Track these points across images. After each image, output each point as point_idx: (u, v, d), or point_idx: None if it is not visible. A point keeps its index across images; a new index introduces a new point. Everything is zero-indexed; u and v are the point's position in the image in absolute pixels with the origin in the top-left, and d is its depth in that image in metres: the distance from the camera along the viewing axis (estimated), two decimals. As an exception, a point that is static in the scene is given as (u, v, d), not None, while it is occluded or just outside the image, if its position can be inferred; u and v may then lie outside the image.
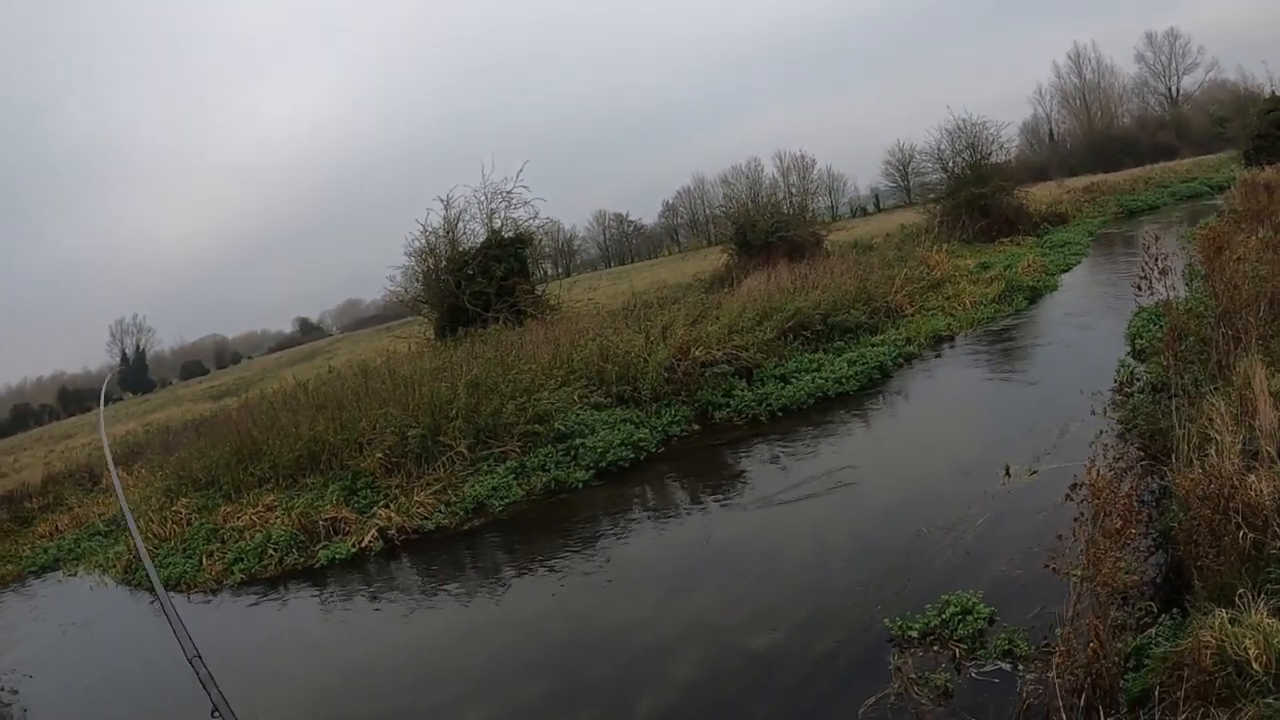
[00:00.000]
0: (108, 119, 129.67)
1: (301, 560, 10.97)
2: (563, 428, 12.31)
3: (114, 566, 13.47)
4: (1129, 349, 11.30)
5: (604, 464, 11.58)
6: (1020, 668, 4.99)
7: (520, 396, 12.75)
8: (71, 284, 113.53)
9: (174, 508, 14.19)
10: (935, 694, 5.01)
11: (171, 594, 11.30)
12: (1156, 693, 3.96)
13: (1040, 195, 35.57)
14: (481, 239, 25.00)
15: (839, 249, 28.50)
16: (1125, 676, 4.43)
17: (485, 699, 6.53)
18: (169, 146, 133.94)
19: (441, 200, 25.02)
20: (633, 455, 11.76)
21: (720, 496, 9.88)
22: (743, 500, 9.52)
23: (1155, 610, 5.06)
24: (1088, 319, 14.81)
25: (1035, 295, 18.41)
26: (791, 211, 31.07)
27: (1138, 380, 9.68)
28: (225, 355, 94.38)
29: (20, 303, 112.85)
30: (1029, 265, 21.21)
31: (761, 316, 15.86)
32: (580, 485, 11.27)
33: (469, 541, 10.47)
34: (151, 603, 11.40)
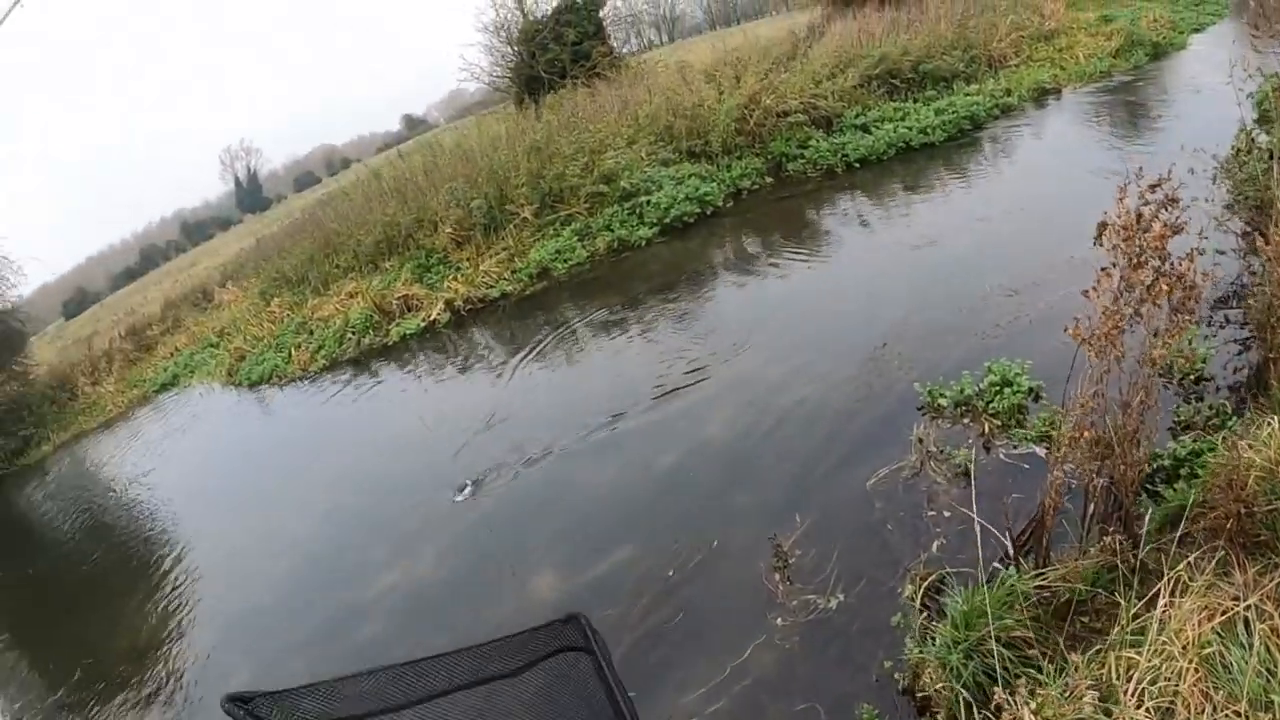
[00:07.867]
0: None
1: (377, 340, 11.23)
2: (629, 186, 11.69)
3: (218, 371, 14.12)
4: (1255, 116, 9.36)
5: (668, 220, 11.04)
6: (1055, 455, 4.27)
7: (584, 157, 12.12)
8: (180, 126, 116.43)
9: (269, 308, 14.65)
10: (953, 473, 4.48)
11: (265, 388, 11.92)
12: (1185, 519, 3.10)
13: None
14: (554, 5, 23.54)
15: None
16: (1173, 487, 3.63)
17: (552, 439, 6.58)
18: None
19: (503, -31, 23.40)
20: (698, 210, 11.15)
21: (781, 251, 9.17)
22: (802, 255, 8.83)
23: (1228, 411, 4.20)
24: (1211, 81, 12.64)
25: (1158, 53, 15.74)
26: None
27: (1257, 147, 8.01)
28: (335, 162, 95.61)
29: (135, 153, 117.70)
30: (1155, 20, 18.28)
31: (845, 64, 14.39)
32: (644, 243, 10.83)
33: (530, 306, 10.31)
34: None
